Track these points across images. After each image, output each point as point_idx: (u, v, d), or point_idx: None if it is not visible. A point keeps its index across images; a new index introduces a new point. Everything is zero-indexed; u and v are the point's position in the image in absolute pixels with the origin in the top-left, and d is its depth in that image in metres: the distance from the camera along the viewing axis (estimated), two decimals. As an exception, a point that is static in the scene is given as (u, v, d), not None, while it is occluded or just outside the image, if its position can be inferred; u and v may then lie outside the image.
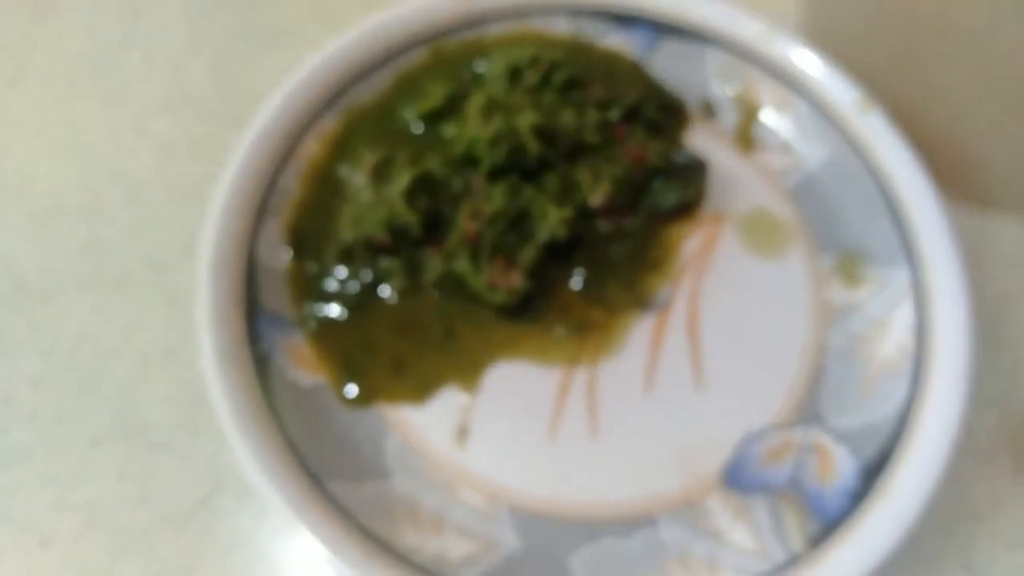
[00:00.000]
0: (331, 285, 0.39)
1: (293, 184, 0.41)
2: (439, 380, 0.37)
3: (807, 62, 0.43)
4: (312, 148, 0.42)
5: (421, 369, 0.38)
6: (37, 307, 0.41)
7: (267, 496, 0.32)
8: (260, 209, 0.40)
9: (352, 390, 0.37)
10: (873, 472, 0.34)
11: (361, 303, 0.39)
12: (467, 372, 0.38)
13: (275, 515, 0.36)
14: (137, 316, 0.41)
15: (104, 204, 0.44)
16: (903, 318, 0.38)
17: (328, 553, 0.31)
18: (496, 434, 0.36)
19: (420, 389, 0.37)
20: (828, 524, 0.33)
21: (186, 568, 0.35)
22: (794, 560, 0.32)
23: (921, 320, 0.37)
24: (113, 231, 0.43)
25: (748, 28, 0.45)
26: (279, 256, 0.40)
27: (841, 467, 0.34)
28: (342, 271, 0.40)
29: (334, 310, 0.39)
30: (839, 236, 0.41)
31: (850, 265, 0.40)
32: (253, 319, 0.37)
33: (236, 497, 0.36)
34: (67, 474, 0.37)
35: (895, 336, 0.37)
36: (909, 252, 0.39)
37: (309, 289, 0.39)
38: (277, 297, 0.39)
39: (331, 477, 0.34)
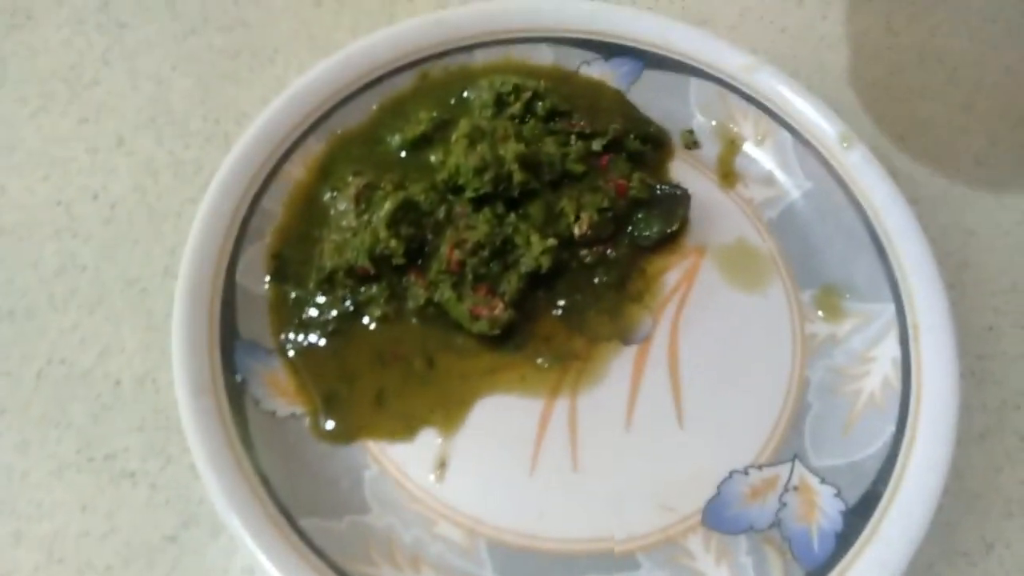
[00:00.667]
0: (312, 312, 0.38)
1: (276, 208, 0.41)
2: (422, 419, 0.36)
3: (790, 94, 0.44)
4: (296, 172, 0.42)
5: (403, 403, 0.37)
6: (4, 327, 0.40)
7: (235, 533, 0.31)
8: (241, 233, 0.39)
9: (331, 423, 0.36)
10: (860, 514, 0.33)
11: (342, 331, 0.38)
12: (451, 411, 0.37)
13: (248, 551, 0.35)
14: (111, 339, 0.39)
15: (79, 223, 0.43)
16: (887, 353, 0.37)
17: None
18: (476, 466, 0.36)
19: (403, 428, 0.36)
20: (813, 570, 0.32)
21: (151, 605, 0.33)
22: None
23: (906, 356, 0.37)
24: (89, 250, 0.42)
25: (732, 60, 0.45)
26: (260, 282, 0.39)
27: (826, 509, 0.34)
28: (323, 298, 0.39)
29: (314, 338, 0.38)
30: (821, 269, 0.41)
31: (832, 299, 0.40)
32: (230, 347, 0.36)
33: (208, 531, 0.35)
34: (27, 506, 0.35)
35: (879, 372, 0.37)
36: (893, 286, 0.38)
37: (289, 316, 0.38)
38: (256, 324, 0.38)
39: (304, 513, 0.33)
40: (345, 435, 0.36)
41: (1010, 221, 0.46)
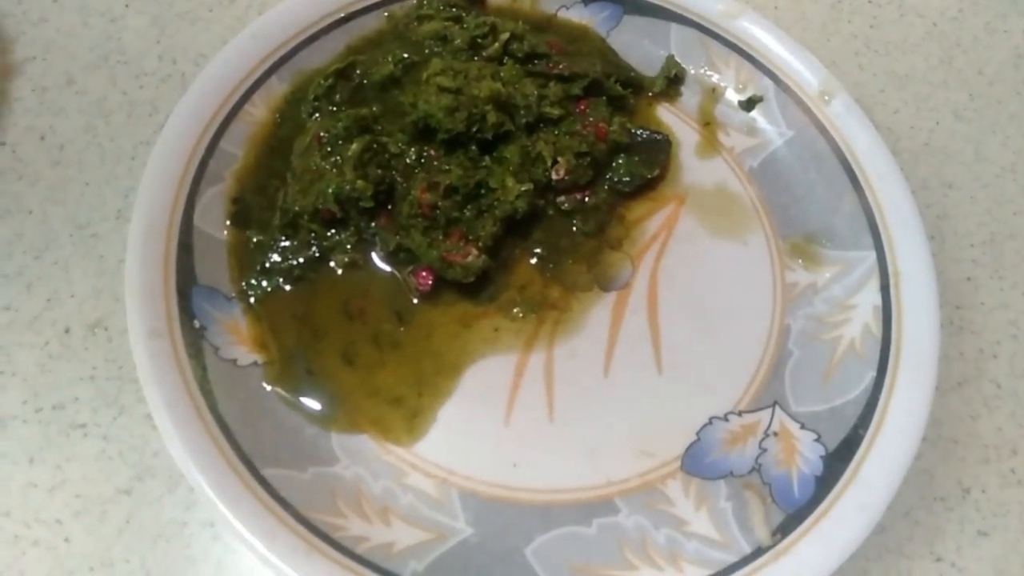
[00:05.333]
0: (275, 258, 0.37)
1: (236, 149, 0.38)
2: (407, 398, 0.34)
3: (772, 42, 0.43)
4: (257, 112, 0.39)
5: (378, 374, 0.34)
6: (-56, 275, 0.37)
7: (194, 483, 0.29)
8: (199, 175, 0.37)
9: (319, 405, 0.34)
10: (840, 458, 0.33)
11: (307, 277, 0.36)
12: (435, 384, 0.35)
13: (208, 502, 0.33)
14: (59, 285, 0.37)
15: (25, 164, 0.40)
16: (868, 301, 0.37)
17: (260, 547, 0.28)
18: (449, 418, 0.34)
19: (389, 413, 0.34)
20: (793, 513, 0.32)
21: (104, 561, 0.32)
22: (760, 552, 0.31)
23: (887, 303, 0.36)
24: (35, 193, 0.39)
25: (713, 6, 0.43)
26: (219, 226, 0.37)
27: (806, 453, 0.33)
28: (287, 243, 0.37)
29: (277, 285, 0.36)
30: (802, 217, 0.40)
31: (813, 247, 0.39)
32: (187, 292, 0.34)
33: (164, 483, 0.33)
34: (-29, 458, 0.33)
35: (860, 319, 0.36)
36: (875, 234, 0.38)
37: (251, 262, 0.36)
38: (216, 269, 0.36)
39: (268, 463, 0.31)
40: (336, 424, 0.33)
41: (988, 174, 0.46)
